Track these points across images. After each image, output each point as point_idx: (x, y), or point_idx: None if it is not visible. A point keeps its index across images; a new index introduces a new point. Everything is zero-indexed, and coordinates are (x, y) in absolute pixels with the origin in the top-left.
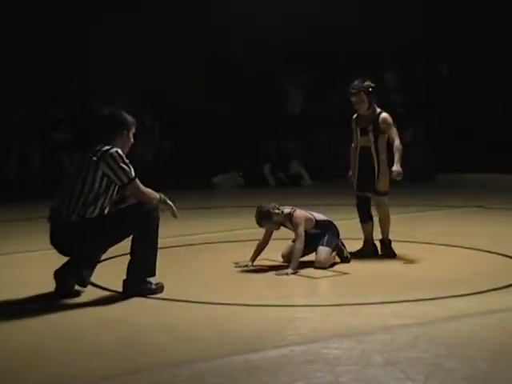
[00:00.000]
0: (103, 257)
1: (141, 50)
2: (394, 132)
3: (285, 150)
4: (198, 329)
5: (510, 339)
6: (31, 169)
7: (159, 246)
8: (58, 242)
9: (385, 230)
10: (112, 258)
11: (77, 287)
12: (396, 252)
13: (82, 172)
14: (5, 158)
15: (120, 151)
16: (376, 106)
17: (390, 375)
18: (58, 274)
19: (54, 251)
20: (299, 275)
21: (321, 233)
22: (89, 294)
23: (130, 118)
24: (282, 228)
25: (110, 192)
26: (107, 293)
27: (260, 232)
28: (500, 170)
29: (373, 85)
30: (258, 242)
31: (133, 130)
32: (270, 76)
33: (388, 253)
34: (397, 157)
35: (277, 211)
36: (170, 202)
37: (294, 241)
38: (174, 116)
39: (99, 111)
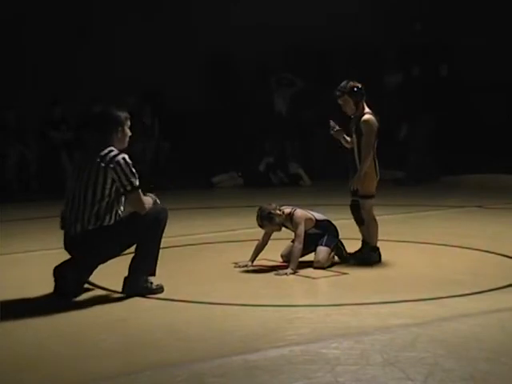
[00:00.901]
0: None
1: (141, 50)
2: (369, 137)
3: (284, 151)
4: (197, 329)
5: (510, 339)
6: (31, 169)
7: None
8: (72, 250)
9: (366, 235)
10: None
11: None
12: (395, 252)
13: (90, 178)
14: (4, 158)
15: (127, 158)
16: (365, 107)
17: (389, 375)
18: (57, 272)
19: (54, 251)
20: (299, 275)
21: (320, 233)
22: (89, 294)
23: (122, 113)
24: (283, 228)
25: (122, 197)
26: (107, 293)
27: (260, 232)
28: (500, 170)
29: (358, 85)
30: (257, 242)
31: (128, 124)
32: (269, 76)
33: (357, 259)
34: (360, 167)
35: (278, 212)
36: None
37: (293, 241)
38: (174, 116)
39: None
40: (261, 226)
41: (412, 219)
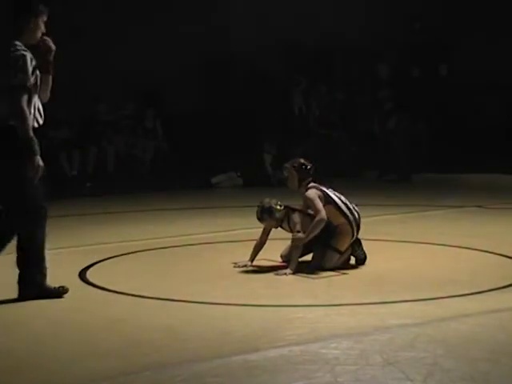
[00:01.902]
0: (102, 256)
1: (141, 50)
2: (316, 205)
3: (283, 151)
4: (197, 329)
5: (509, 339)
6: None
7: (159, 246)
8: None
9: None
10: (112, 258)
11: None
12: (394, 252)
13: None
14: None
15: (29, 57)
16: (310, 184)
17: (388, 375)
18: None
19: (54, 251)
20: (298, 275)
21: (318, 234)
22: (89, 294)
23: (42, 6)
24: (280, 229)
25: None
26: (107, 293)
27: (259, 232)
28: (500, 170)
29: (308, 165)
30: (255, 241)
31: (43, 18)
32: (269, 76)
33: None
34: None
35: (279, 207)
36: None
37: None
38: (173, 116)
39: (100, 112)
40: (260, 219)
41: (412, 219)
